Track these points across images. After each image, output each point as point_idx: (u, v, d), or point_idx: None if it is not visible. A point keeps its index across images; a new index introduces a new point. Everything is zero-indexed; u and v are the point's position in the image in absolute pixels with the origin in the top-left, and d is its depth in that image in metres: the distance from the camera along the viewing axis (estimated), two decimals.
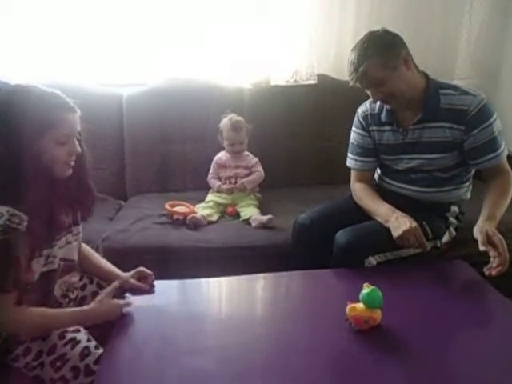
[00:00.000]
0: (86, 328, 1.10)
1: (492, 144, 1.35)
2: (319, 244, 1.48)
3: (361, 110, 1.54)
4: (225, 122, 2.00)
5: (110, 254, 1.63)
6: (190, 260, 1.64)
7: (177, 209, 1.83)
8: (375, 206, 1.45)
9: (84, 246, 1.32)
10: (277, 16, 2.16)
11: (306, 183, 2.22)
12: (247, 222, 1.83)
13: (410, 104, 1.38)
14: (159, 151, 2.18)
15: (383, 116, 1.46)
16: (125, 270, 1.50)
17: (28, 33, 2.14)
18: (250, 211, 1.86)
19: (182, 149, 2.20)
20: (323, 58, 2.23)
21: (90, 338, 1.08)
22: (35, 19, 2.12)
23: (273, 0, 2.14)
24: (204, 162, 2.10)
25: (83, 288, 1.27)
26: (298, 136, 2.24)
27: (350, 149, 1.59)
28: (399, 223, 1.32)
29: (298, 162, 2.24)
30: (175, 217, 1.81)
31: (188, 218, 1.77)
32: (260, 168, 2.03)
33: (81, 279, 1.27)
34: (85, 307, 1.12)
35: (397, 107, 1.42)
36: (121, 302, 1.15)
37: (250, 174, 2.02)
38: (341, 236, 1.40)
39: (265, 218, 1.77)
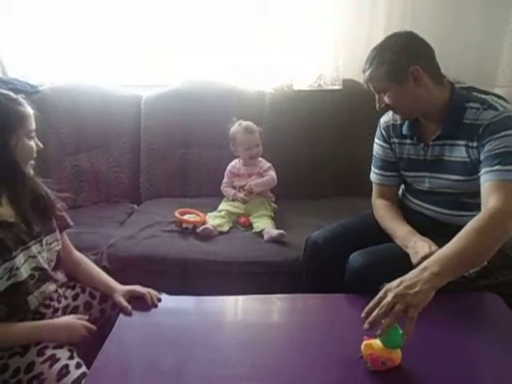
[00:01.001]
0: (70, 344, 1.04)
1: (502, 157, 1.11)
2: (332, 265, 1.36)
3: (383, 119, 1.42)
4: (235, 128, 1.92)
5: (114, 262, 1.60)
6: (195, 273, 1.57)
7: (187, 217, 1.77)
8: (394, 228, 1.32)
9: (76, 253, 1.28)
10: (301, 15, 2.04)
11: (327, 194, 2.10)
12: (260, 234, 1.73)
13: (430, 117, 1.26)
14: (176, 155, 2.14)
15: (404, 128, 1.34)
16: (127, 280, 1.45)
17: (52, 34, 2.15)
18: (263, 223, 1.77)
19: (199, 154, 2.14)
20: (350, 61, 2.08)
21: (74, 354, 1.02)
22: (59, 21, 2.13)
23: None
24: (221, 168, 2.03)
25: (75, 298, 1.22)
26: (320, 144, 2.12)
27: (373, 162, 1.48)
28: (417, 248, 1.18)
29: (319, 172, 2.12)
30: (184, 225, 1.74)
31: (200, 229, 1.70)
32: (272, 172, 1.93)
33: (73, 288, 1.24)
34: (44, 321, 1.07)
35: (406, 119, 1.31)
36: (86, 323, 1.10)
37: None
38: (354, 259, 1.28)
39: (275, 232, 1.67)
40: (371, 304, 0.96)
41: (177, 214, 1.77)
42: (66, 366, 0.97)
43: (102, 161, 2.11)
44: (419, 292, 0.94)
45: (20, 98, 1.08)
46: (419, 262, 1.12)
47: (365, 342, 0.96)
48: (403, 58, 1.18)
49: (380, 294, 0.96)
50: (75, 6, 2.11)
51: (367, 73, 1.24)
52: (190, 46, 2.18)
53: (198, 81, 2.19)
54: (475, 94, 1.23)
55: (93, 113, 2.10)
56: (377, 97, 1.28)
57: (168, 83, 2.20)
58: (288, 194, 2.05)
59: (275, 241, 1.65)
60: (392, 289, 0.95)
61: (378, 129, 1.45)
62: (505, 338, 1.08)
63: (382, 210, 1.40)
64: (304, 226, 1.77)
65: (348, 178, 2.11)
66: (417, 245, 1.19)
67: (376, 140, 1.46)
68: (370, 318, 0.93)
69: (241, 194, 1.89)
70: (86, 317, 1.13)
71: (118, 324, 1.10)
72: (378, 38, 2.02)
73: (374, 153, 1.47)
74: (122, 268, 1.58)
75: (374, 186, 1.48)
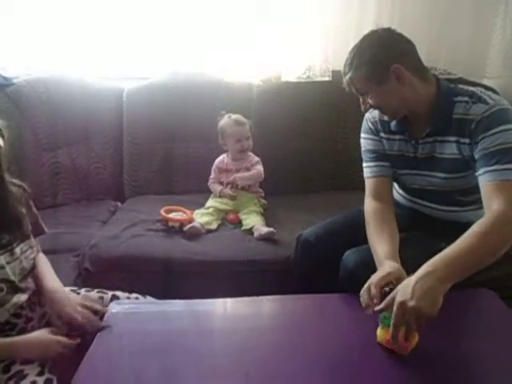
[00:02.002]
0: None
1: (499, 155, 1.06)
2: (324, 263, 1.31)
3: (370, 115, 1.34)
4: (225, 120, 1.85)
5: (96, 264, 1.52)
6: (182, 273, 1.51)
7: (172, 215, 1.70)
8: (374, 241, 1.18)
9: (40, 256, 1.17)
10: (289, 5, 1.98)
11: (317, 189, 2.05)
12: (250, 231, 1.68)
13: (418, 114, 1.19)
14: (160, 150, 2.06)
15: (393, 124, 1.27)
16: (111, 283, 1.38)
17: (29, 25, 2.04)
18: (253, 220, 1.71)
19: (185, 148, 2.06)
20: (339, 52, 2.02)
21: (45, 370, 0.94)
22: (36, 12, 2.03)
23: None
24: (208, 163, 1.96)
25: None
26: (309, 137, 2.07)
27: (363, 157, 1.39)
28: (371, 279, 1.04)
29: (309, 166, 2.07)
30: (170, 224, 1.67)
31: (187, 227, 1.63)
32: (259, 166, 1.87)
33: None
34: (16, 338, 0.98)
35: (394, 118, 1.24)
36: (62, 339, 0.98)
37: None
38: (348, 257, 1.23)
39: (265, 229, 1.61)
40: (393, 322, 0.91)
41: (162, 212, 1.69)
42: (34, 383, 0.89)
43: (82, 156, 2.02)
44: (433, 304, 0.90)
45: None
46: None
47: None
48: (382, 57, 1.11)
49: (395, 310, 0.91)
50: None
51: (347, 76, 1.18)
52: (174, 37, 2.09)
53: (182, 72, 2.10)
54: (462, 86, 1.18)
55: (72, 106, 2.00)
56: (361, 99, 1.21)
57: (151, 75, 2.11)
58: (277, 189, 2.00)
59: (265, 239, 1.60)
60: (407, 303, 0.90)
61: (364, 123, 1.36)
62: (502, 333, 1.06)
63: (371, 216, 1.25)
64: (295, 223, 1.72)
65: (338, 172, 2.06)
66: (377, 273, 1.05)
67: (363, 135, 1.37)
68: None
69: (228, 190, 1.83)
70: (62, 330, 1.02)
71: (99, 334, 1.03)
72: (367, 28, 1.99)
73: (363, 148, 1.37)
74: (105, 270, 1.51)
75: (366, 182, 1.36)
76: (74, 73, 2.09)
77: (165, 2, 2.03)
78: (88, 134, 2.04)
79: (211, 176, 1.92)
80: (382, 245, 1.13)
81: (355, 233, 1.32)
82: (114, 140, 2.05)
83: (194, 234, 1.63)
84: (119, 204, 1.99)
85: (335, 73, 2.05)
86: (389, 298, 0.94)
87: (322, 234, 1.36)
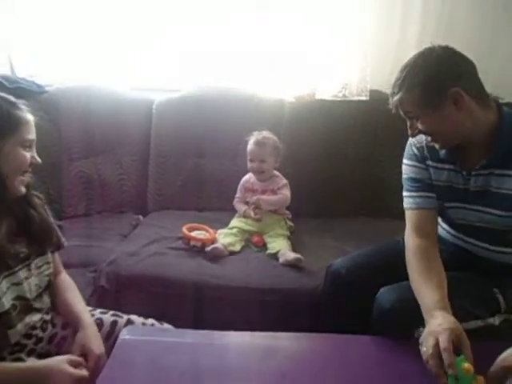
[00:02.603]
0: None
1: None
2: (356, 299, 1.19)
3: (415, 139, 1.19)
4: (251, 137, 1.77)
5: (113, 281, 1.46)
6: (202, 298, 1.42)
7: (195, 234, 1.62)
8: (420, 286, 1.02)
9: (62, 276, 1.12)
10: (326, 18, 1.89)
11: (349, 214, 1.93)
12: (274, 255, 1.58)
13: (475, 144, 1.06)
14: (187, 164, 2.00)
15: (443, 152, 1.13)
16: (127, 304, 1.31)
17: (64, 34, 2.06)
18: (278, 244, 1.61)
19: (212, 164, 2.00)
20: (378, 70, 1.93)
21: None
22: (72, 21, 2.04)
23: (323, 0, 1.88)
24: (234, 181, 1.88)
25: (65, 326, 1.06)
26: (342, 159, 1.96)
27: (404, 186, 1.24)
28: (427, 336, 0.90)
29: (341, 189, 1.95)
30: (192, 243, 1.59)
31: (209, 248, 1.55)
32: (286, 191, 1.76)
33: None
34: (26, 365, 0.91)
35: (445, 147, 1.11)
36: (74, 371, 0.88)
37: None
38: (384, 295, 1.11)
39: (292, 255, 1.51)
40: None
41: (184, 229, 1.62)
42: None
43: (108, 167, 1.98)
44: None
45: (21, 103, 0.96)
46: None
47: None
48: (440, 79, 1.00)
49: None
50: (87, 7, 2.01)
51: (397, 97, 1.04)
52: (207, 50, 2.05)
53: (212, 86, 2.06)
54: None
55: (101, 116, 1.98)
56: (409, 123, 1.09)
57: (182, 88, 2.07)
58: (306, 211, 1.90)
59: (292, 265, 1.49)
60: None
61: (408, 148, 1.22)
62: None
63: (414, 256, 1.10)
64: (323, 249, 1.61)
65: (372, 197, 1.94)
66: (430, 330, 0.91)
67: (406, 161, 1.23)
68: None
69: (251, 211, 1.73)
70: (80, 360, 0.92)
71: (109, 364, 0.94)
72: (409, 47, 1.88)
73: (405, 175, 1.23)
74: (121, 288, 1.44)
75: (408, 214, 1.20)
76: (106, 83, 2.08)
77: (200, 15, 2.00)
78: (115, 144, 2.01)
79: (237, 195, 1.84)
80: (430, 291, 1.00)
81: (391, 268, 1.19)
82: (141, 152, 2.01)
83: (216, 256, 1.54)
84: (141, 218, 1.93)
85: (373, 92, 1.95)
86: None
87: (354, 267, 1.24)
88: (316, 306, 1.34)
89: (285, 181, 1.79)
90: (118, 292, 1.43)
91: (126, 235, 1.75)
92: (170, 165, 1.99)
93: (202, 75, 2.08)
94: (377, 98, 1.94)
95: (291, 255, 1.51)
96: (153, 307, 1.38)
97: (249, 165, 1.76)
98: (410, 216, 1.18)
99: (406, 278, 1.12)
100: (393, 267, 1.19)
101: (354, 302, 1.20)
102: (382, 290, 1.13)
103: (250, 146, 1.75)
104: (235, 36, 2.01)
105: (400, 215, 1.26)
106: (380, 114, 1.91)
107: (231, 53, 2.03)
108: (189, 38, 2.04)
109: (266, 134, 1.77)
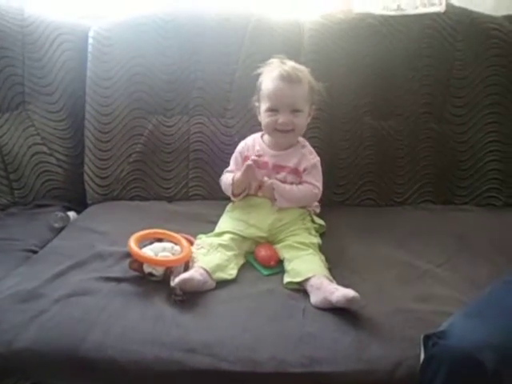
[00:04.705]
0: None
1: None
2: None
3: None
4: (270, 67, 1.04)
5: None
6: None
7: (150, 250, 0.87)
8: None
9: None
10: None
11: (412, 200, 1.25)
12: (299, 285, 0.86)
13: None
14: (146, 127, 1.27)
15: None
16: None
17: None
18: (305, 264, 0.88)
19: (184, 125, 1.28)
20: None
21: None
22: None
23: None
24: (225, 151, 1.23)
25: None
26: (395, 109, 1.26)
27: None
28: None
29: (395, 160, 1.26)
30: (147, 269, 0.85)
31: (176, 280, 0.81)
32: (315, 181, 1.04)
33: None
34: None
35: None
36: None
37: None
38: None
39: (341, 292, 0.78)
40: None
41: (132, 243, 0.87)
42: None
43: (14, 133, 1.25)
44: None
45: None
46: None
47: None
48: None
49: None
50: None
51: None
52: None
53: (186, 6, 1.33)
54: None
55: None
56: None
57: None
58: (339, 198, 1.24)
59: (342, 307, 0.77)
60: None
61: None
62: None
63: None
64: (387, 268, 0.92)
65: (449, 172, 1.25)
66: None
67: None
68: None
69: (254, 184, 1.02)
70: None
71: None
72: None
73: None
74: None
75: None
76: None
77: None
78: (26, 96, 1.26)
79: (229, 168, 1.12)
80: None
81: None
82: (71, 107, 1.29)
83: (191, 294, 0.81)
84: (72, 215, 1.20)
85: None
86: None
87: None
88: None
89: (317, 158, 1.06)
90: None
91: (36, 250, 1.01)
92: (118, 127, 1.26)
93: None
94: (453, 11, 1.24)
95: (341, 292, 0.78)
96: None
97: (268, 119, 1.02)
98: None
99: None
100: None
101: None
102: None
103: (272, 82, 1.01)
104: None
105: None
106: (458, 34, 1.22)
107: None
108: None
109: (293, 64, 1.04)
